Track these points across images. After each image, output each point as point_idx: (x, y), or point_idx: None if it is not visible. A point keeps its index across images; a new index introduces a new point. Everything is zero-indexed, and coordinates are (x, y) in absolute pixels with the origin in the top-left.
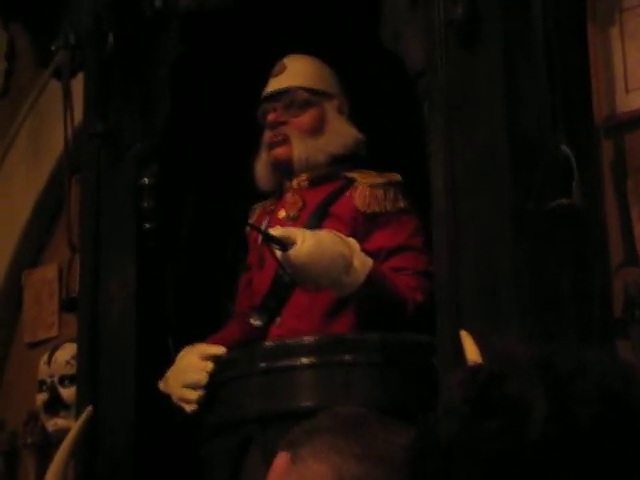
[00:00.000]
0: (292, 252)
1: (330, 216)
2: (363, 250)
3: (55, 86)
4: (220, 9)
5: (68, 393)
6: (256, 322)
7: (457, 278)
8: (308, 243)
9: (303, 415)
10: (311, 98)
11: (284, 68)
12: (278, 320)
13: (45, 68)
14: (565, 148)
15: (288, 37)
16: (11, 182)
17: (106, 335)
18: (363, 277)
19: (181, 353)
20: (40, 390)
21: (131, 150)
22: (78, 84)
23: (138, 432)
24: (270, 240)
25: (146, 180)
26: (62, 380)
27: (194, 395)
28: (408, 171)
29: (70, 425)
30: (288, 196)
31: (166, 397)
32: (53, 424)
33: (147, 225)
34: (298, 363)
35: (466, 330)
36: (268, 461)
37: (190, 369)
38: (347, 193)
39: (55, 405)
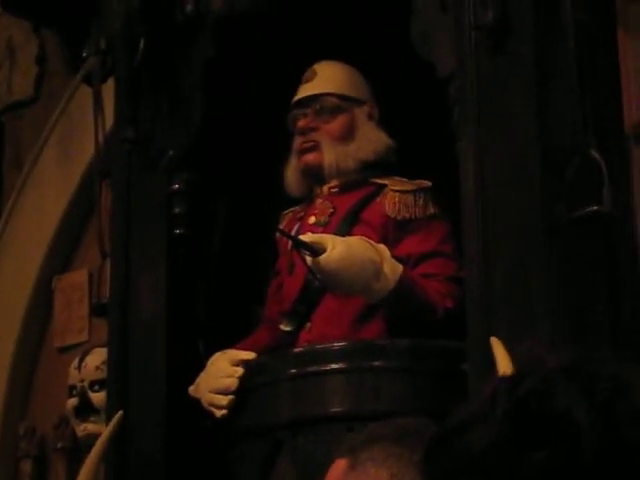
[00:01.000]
0: (322, 258)
1: (360, 222)
2: (393, 256)
3: (86, 91)
4: (252, 13)
5: (98, 398)
6: (286, 328)
7: (488, 284)
8: (338, 249)
9: (333, 421)
10: (341, 104)
11: (314, 74)
12: (308, 326)
13: (76, 73)
14: (595, 154)
15: (319, 42)
16: (42, 187)
17: (136, 340)
18: (393, 283)
19: (212, 358)
20: (70, 395)
21: (162, 156)
22: (109, 89)
23: (168, 437)
24: (300, 246)
25: (177, 186)
26: (92, 385)
27: (224, 401)
28: (438, 177)
29: (100, 430)
30: (318, 202)
31: (196, 402)
32: (83, 429)
33: (178, 231)
34: (328, 369)
35: (497, 337)
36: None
37: (220, 374)
38: (377, 199)
39: (85, 410)
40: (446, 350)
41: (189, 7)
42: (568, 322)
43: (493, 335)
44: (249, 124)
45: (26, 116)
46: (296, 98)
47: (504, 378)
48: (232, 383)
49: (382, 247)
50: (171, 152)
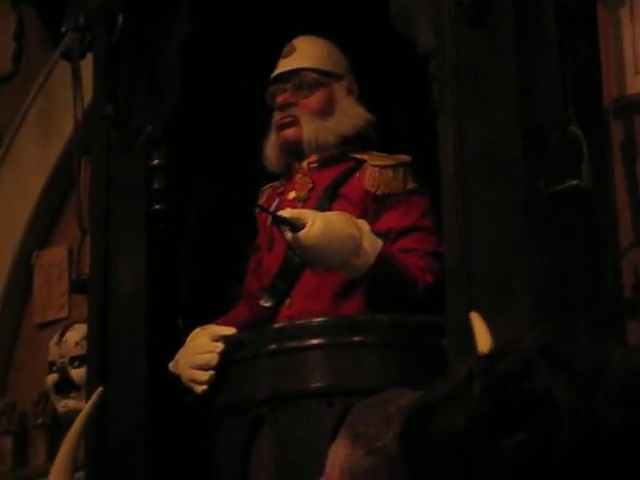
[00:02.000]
0: (302, 234)
1: (340, 197)
2: (373, 231)
3: (65, 67)
4: None
5: (78, 374)
6: (266, 303)
7: (467, 259)
8: (318, 224)
9: (313, 396)
10: (320, 79)
11: (293, 49)
12: (288, 301)
13: (54, 49)
14: (575, 129)
15: (298, 17)
16: (21, 163)
17: (116, 316)
18: (373, 258)
19: (191, 334)
20: (50, 371)
21: (141, 132)
22: (88, 65)
23: (148, 413)
24: (280, 222)
25: (156, 161)
26: (72, 361)
27: (204, 376)
28: (418, 152)
29: (80, 406)
30: (298, 177)
31: (176, 378)
32: (63, 405)
33: (157, 206)
34: (308, 344)
35: (476, 311)
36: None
37: (200, 350)
38: (357, 174)
39: (65, 386)
40: (426, 325)
41: None
42: (548, 296)
43: (472, 310)
44: (228, 99)
45: (4, 92)
46: (275, 73)
47: (482, 356)
48: (212, 359)
49: (362, 222)
50: (150, 128)
